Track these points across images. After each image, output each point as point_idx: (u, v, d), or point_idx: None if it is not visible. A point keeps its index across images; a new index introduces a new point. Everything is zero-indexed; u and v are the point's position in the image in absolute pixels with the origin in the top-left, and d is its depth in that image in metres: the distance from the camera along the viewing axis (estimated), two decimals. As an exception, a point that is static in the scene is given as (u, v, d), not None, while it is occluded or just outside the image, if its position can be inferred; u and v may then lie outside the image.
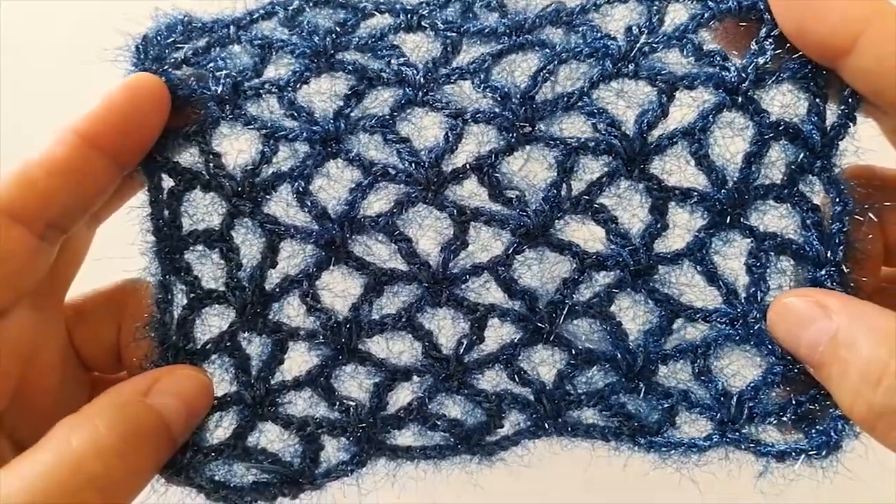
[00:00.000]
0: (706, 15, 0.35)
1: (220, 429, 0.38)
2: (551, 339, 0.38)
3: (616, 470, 0.39)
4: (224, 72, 0.37)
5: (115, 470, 0.31)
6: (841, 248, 0.35)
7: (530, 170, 0.37)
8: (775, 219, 0.36)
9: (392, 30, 0.38)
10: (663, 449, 0.37)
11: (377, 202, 0.38)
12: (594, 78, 0.36)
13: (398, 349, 0.39)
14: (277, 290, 0.38)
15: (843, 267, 0.35)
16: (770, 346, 0.35)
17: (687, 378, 0.38)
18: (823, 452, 0.35)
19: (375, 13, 0.38)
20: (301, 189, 0.37)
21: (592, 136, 0.36)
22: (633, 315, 0.38)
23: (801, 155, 0.35)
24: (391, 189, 0.37)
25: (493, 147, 0.37)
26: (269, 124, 0.37)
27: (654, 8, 0.36)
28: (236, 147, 0.38)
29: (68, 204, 0.34)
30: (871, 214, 0.35)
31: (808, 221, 0.36)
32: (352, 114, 0.37)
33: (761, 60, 0.34)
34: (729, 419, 0.36)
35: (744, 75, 0.34)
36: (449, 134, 0.37)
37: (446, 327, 0.39)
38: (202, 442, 0.37)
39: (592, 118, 0.36)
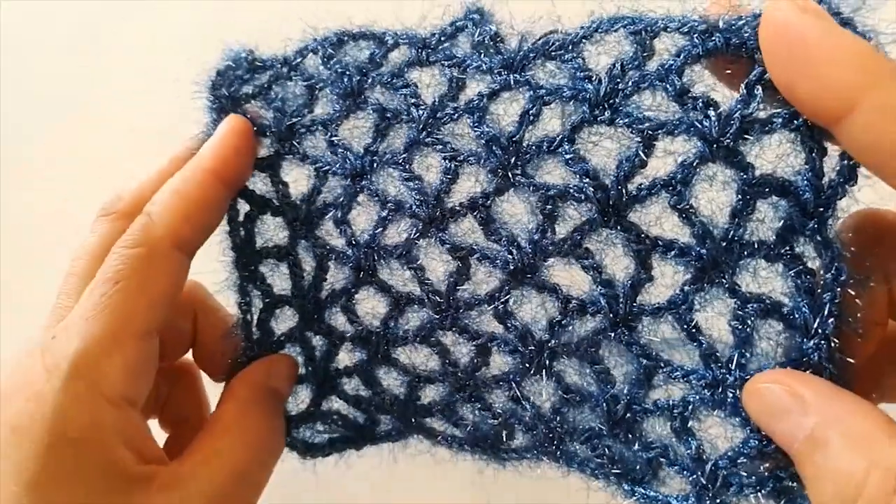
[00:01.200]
0: (692, 53, 0.32)
1: (298, 402, 0.47)
2: (541, 373, 0.39)
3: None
4: (284, 110, 0.43)
5: (275, 439, 0.44)
6: (831, 320, 0.31)
7: (521, 211, 0.38)
8: (767, 276, 0.33)
9: (406, 65, 0.40)
10: (646, 500, 0.37)
11: (396, 234, 0.41)
12: (574, 123, 0.35)
13: (421, 359, 0.44)
14: (328, 300, 0.45)
15: (833, 341, 0.31)
16: (744, 417, 0.33)
17: (668, 434, 0.36)
18: None
19: (398, 45, 0.41)
20: (338, 218, 0.42)
21: (572, 184, 0.36)
22: (615, 363, 0.38)
23: (793, 214, 0.31)
24: (407, 223, 0.41)
25: (483, 188, 0.38)
26: (317, 160, 0.43)
27: (642, 40, 0.33)
28: (294, 175, 0.45)
29: (209, 231, 0.43)
30: (872, 283, 0.30)
31: (799, 286, 0.32)
32: (378, 149, 0.41)
33: (748, 110, 0.30)
34: (704, 485, 0.34)
35: (727, 125, 0.31)
36: (443, 176, 0.39)
37: (460, 345, 0.42)
38: (290, 411, 0.47)
39: (569, 166, 0.35)
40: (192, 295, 0.48)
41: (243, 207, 0.46)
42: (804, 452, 0.28)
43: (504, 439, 0.42)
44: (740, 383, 0.33)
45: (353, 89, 0.41)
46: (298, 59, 0.43)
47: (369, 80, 0.40)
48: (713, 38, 0.31)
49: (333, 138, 0.41)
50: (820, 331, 0.31)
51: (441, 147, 0.38)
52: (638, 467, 0.37)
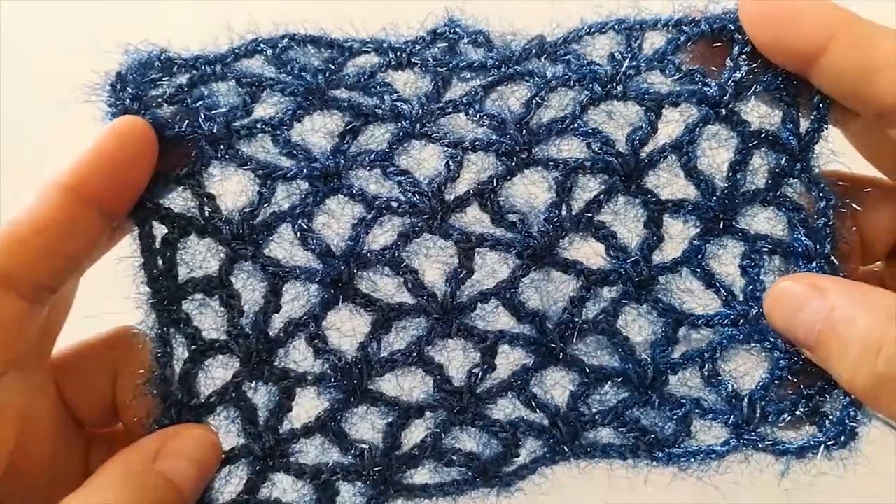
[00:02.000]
0: (682, 38, 0.37)
1: (231, 484, 0.36)
2: (561, 360, 0.38)
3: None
4: (216, 110, 0.36)
5: None
6: (828, 240, 0.36)
7: (530, 193, 0.38)
8: (764, 221, 0.38)
9: (382, 68, 0.38)
10: (682, 459, 0.37)
11: (381, 236, 0.37)
12: (584, 101, 0.37)
13: (409, 385, 0.38)
14: (282, 334, 0.37)
15: (833, 258, 0.36)
16: (773, 340, 0.37)
17: (698, 385, 0.38)
18: (840, 442, 0.35)
19: (363, 53, 0.38)
20: (304, 227, 0.37)
21: (589, 156, 0.37)
22: (639, 328, 0.39)
23: (782, 160, 0.37)
24: (395, 222, 0.37)
25: (492, 173, 0.37)
26: (266, 164, 0.36)
27: (633, 35, 0.38)
28: (227, 189, 0.37)
29: (58, 264, 0.32)
30: (853, 205, 0.37)
31: (794, 220, 0.37)
32: (349, 150, 0.37)
33: (738, 75, 0.36)
34: (743, 421, 0.36)
35: (724, 90, 0.36)
36: (450, 163, 0.37)
37: (456, 359, 0.38)
38: (213, 502, 0.35)
39: (587, 138, 0.37)
40: (110, 350, 0.37)
41: (160, 231, 0.36)
42: (827, 331, 0.32)
43: (509, 458, 0.38)
44: (761, 313, 0.36)
45: (319, 87, 0.36)
46: (231, 57, 0.37)
47: (335, 79, 0.37)
48: (700, 26, 0.37)
49: (287, 139, 0.36)
50: (821, 250, 0.36)
51: (440, 136, 0.37)
52: (669, 430, 0.38)
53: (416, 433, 0.38)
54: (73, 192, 0.32)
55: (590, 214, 0.38)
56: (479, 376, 0.38)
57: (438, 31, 0.38)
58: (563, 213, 0.37)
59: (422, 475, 0.39)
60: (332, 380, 0.37)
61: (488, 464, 0.38)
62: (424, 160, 0.38)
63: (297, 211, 0.37)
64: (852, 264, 0.38)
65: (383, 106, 0.37)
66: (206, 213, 0.36)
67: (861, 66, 0.32)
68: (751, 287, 0.38)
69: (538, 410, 0.38)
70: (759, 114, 0.38)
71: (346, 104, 0.37)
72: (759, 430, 0.37)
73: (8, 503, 0.34)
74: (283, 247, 0.37)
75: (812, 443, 0.36)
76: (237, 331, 0.36)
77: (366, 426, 0.38)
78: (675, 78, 0.37)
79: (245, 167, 0.36)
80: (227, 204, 0.37)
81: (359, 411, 0.38)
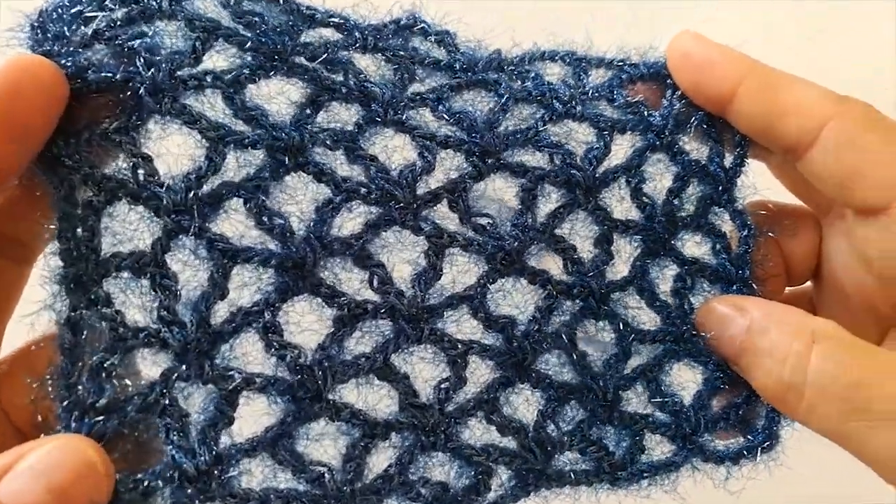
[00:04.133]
0: (624, 76, 0.40)
1: None
2: (530, 374, 0.36)
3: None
4: (159, 54, 0.30)
5: None
6: (747, 266, 0.40)
7: (500, 197, 0.37)
8: (695, 246, 0.41)
9: (345, 46, 0.35)
10: (643, 476, 0.37)
11: (347, 224, 0.33)
12: (546, 117, 0.38)
13: (373, 399, 0.33)
14: (228, 325, 0.30)
15: (751, 283, 0.40)
16: (705, 356, 0.39)
17: (646, 400, 0.39)
18: (767, 446, 0.38)
19: (324, 25, 0.35)
20: (260, 203, 0.31)
21: (553, 168, 0.38)
22: (596, 345, 0.39)
23: (710, 190, 0.40)
24: (362, 210, 0.34)
25: (462, 172, 0.36)
26: (218, 125, 0.31)
27: (581, 67, 0.40)
28: (167, 150, 0.31)
29: None
30: (770, 234, 0.41)
31: (717, 247, 0.41)
32: (310, 124, 0.33)
33: (674, 111, 0.39)
34: (690, 431, 0.38)
35: (666, 120, 0.39)
36: (426, 154, 0.35)
37: (424, 370, 0.35)
38: None
39: (550, 150, 0.37)
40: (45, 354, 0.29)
41: (83, 194, 0.29)
42: (746, 343, 0.36)
43: (481, 490, 0.34)
44: (694, 330, 0.39)
45: (284, 49, 0.32)
46: None
47: (296, 45, 0.33)
48: (638, 68, 0.40)
49: (243, 99, 0.32)
50: (740, 276, 0.40)
51: (413, 127, 0.35)
52: (625, 446, 0.37)
53: (380, 458, 0.33)
54: None
55: (551, 226, 0.37)
56: (449, 391, 0.34)
57: (402, 22, 0.37)
58: (529, 221, 0.37)
59: None
60: (288, 384, 0.31)
61: (460, 497, 0.34)
62: (393, 150, 0.35)
63: (253, 184, 0.31)
64: (771, 287, 0.41)
65: (349, 85, 0.34)
66: (142, 177, 0.30)
67: (766, 111, 0.37)
68: (684, 307, 0.40)
69: (507, 433, 0.35)
70: (693, 147, 0.41)
71: (311, 74, 0.33)
72: (700, 440, 0.38)
73: None
74: (233, 224, 0.31)
75: (744, 448, 0.38)
76: (171, 317, 0.29)
77: (324, 445, 0.32)
78: (622, 108, 0.40)
79: (192, 126, 0.30)
80: (169, 168, 0.30)
81: (316, 427, 0.32)
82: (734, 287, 0.40)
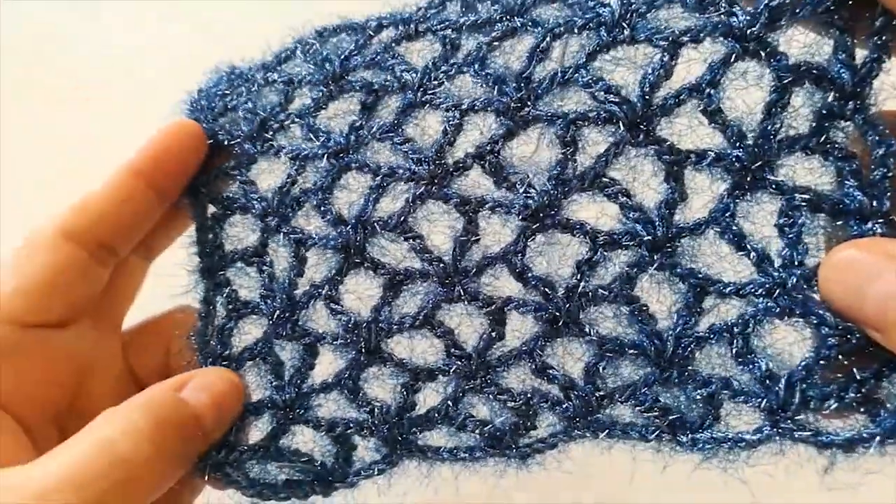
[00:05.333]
0: None
1: (257, 431, 0.40)
2: (571, 328, 0.35)
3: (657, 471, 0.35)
4: (252, 113, 0.41)
5: (145, 453, 0.33)
6: (887, 195, 0.30)
7: (535, 152, 0.36)
8: (807, 173, 0.32)
9: (395, 42, 0.39)
10: (707, 446, 0.32)
11: (391, 204, 0.38)
12: (590, 49, 0.34)
13: (421, 349, 0.39)
14: (305, 296, 0.40)
15: (893, 217, 0.30)
16: (820, 314, 0.30)
17: (728, 363, 0.33)
18: None
19: (383, 28, 0.40)
20: (320, 199, 0.39)
21: (592, 106, 0.34)
22: (660, 297, 0.35)
23: (830, 98, 0.31)
24: (401, 188, 0.38)
25: (492, 134, 0.36)
26: (293, 149, 0.40)
27: None
28: (272, 178, 0.42)
29: (116, 227, 0.40)
30: None
31: (845, 171, 0.31)
32: (364, 126, 0.39)
33: (774, 0, 0.30)
34: (779, 406, 0.31)
35: (755, 17, 0.31)
36: (447, 127, 0.37)
37: (467, 324, 0.38)
38: (238, 443, 0.39)
39: (589, 88, 0.34)
40: (166, 324, 0.44)
41: (211, 211, 0.42)
42: None
43: (526, 428, 0.37)
44: (804, 281, 0.31)
45: (335, 73, 0.39)
46: (274, 62, 0.42)
47: (352, 64, 0.40)
48: None
49: (312, 125, 0.40)
50: (877, 208, 0.30)
51: (441, 101, 0.37)
52: (696, 412, 0.33)
53: (431, 397, 0.39)
54: (132, 172, 0.40)
55: (598, 171, 0.34)
56: (488, 342, 0.37)
57: None
58: (569, 170, 0.35)
59: (438, 438, 0.39)
60: (346, 339, 0.39)
61: (502, 433, 0.37)
62: (430, 127, 0.38)
63: (317, 186, 0.39)
64: None
65: (392, 78, 0.38)
66: (247, 196, 0.41)
67: None
68: (790, 251, 0.32)
69: (551, 381, 0.36)
70: (803, 43, 0.32)
71: (358, 85, 0.39)
72: (798, 417, 0.30)
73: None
74: (310, 220, 0.40)
75: (863, 435, 0.29)
76: (266, 293, 0.40)
77: (380, 387, 0.39)
78: (698, 10, 0.32)
79: (278, 155, 0.41)
80: (267, 187, 0.42)
81: (373, 371, 0.39)
82: (869, 224, 0.30)
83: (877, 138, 0.30)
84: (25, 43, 0.58)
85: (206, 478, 0.38)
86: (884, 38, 0.29)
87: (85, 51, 0.55)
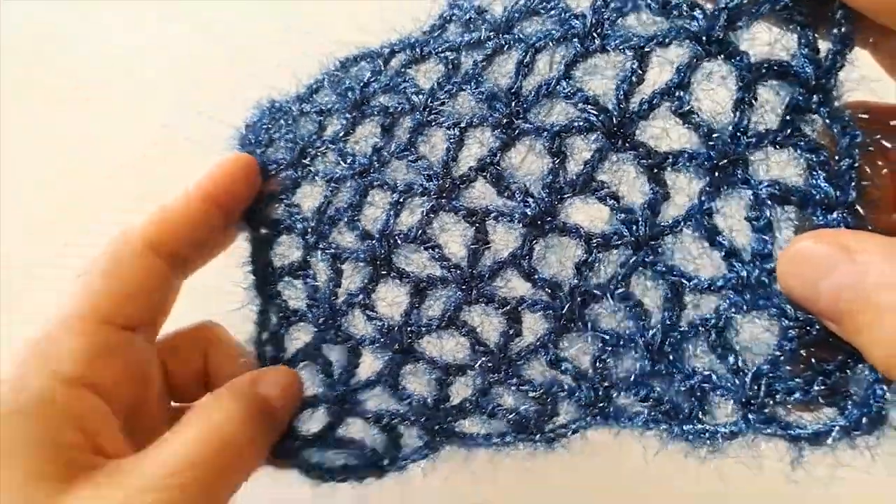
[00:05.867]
0: None
1: (313, 423, 0.46)
2: (577, 324, 0.38)
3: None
4: (293, 142, 0.46)
5: (248, 437, 0.39)
6: (853, 185, 0.30)
7: (531, 162, 0.39)
8: (780, 167, 0.33)
9: (405, 66, 0.43)
10: (691, 437, 0.34)
11: (411, 217, 0.42)
12: (567, 61, 0.36)
13: (449, 347, 0.43)
14: (344, 304, 0.45)
15: (858, 207, 0.30)
16: (781, 308, 0.31)
17: (710, 357, 0.35)
18: (865, 427, 0.29)
19: (393, 55, 0.44)
20: (350, 216, 0.44)
21: (574, 116, 0.37)
22: (652, 293, 0.37)
23: (796, 92, 0.32)
24: (417, 202, 0.42)
25: (490, 147, 0.39)
26: (327, 172, 0.45)
27: None
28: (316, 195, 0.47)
29: (194, 243, 0.45)
30: (884, 142, 0.30)
31: (812, 162, 0.31)
32: (384, 147, 0.43)
33: (733, 1, 0.31)
34: (747, 399, 0.32)
35: (713, 20, 0.32)
36: (450, 144, 0.40)
37: (488, 323, 0.42)
38: (299, 432, 0.45)
39: (570, 99, 0.36)
40: (202, 333, 0.48)
41: (263, 232, 0.48)
42: (858, 300, 0.26)
43: (548, 416, 0.40)
44: (768, 275, 0.32)
45: (357, 100, 0.44)
46: (307, 93, 0.47)
47: (371, 90, 0.44)
48: None
49: (342, 150, 0.44)
50: (842, 198, 0.30)
51: (444, 119, 0.40)
52: (685, 403, 0.35)
53: (464, 390, 0.43)
54: (205, 194, 0.45)
55: (586, 177, 0.37)
56: (506, 339, 0.41)
57: (445, 14, 0.42)
58: (560, 178, 0.38)
59: (472, 426, 0.43)
60: (381, 342, 0.44)
61: (527, 420, 0.41)
62: (438, 144, 0.41)
63: (347, 204, 0.44)
64: (883, 214, 0.30)
65: (404, 100, 0.42)
66: (292, 218, 0.47)
67: None
68: (758, 244, 0.32)
69: (564, 373, 0.39)
70: (766, 40, 0.32)
71: (377, 109, 0.43)
72: (766, 410, 0.32)
73: None
74: (344, 236, 0.45)
75: (830, 427, 0.30)
76: (312, 302, 0.46)
77: (417, 381, 0.44)
78: (660, 13, 0.34)
79: (315, 179, 0.46)
80: (310, 207, 0.47)
81: (409, 368, 0.44)
82: (834, 214, 0.30)
83: (842, 129, 0.30)
84: (25, 43, 0.57)
85: (276, 463, 0.45)
86: (843, 30, 0.30)
87: (85, 51, 0.56)
